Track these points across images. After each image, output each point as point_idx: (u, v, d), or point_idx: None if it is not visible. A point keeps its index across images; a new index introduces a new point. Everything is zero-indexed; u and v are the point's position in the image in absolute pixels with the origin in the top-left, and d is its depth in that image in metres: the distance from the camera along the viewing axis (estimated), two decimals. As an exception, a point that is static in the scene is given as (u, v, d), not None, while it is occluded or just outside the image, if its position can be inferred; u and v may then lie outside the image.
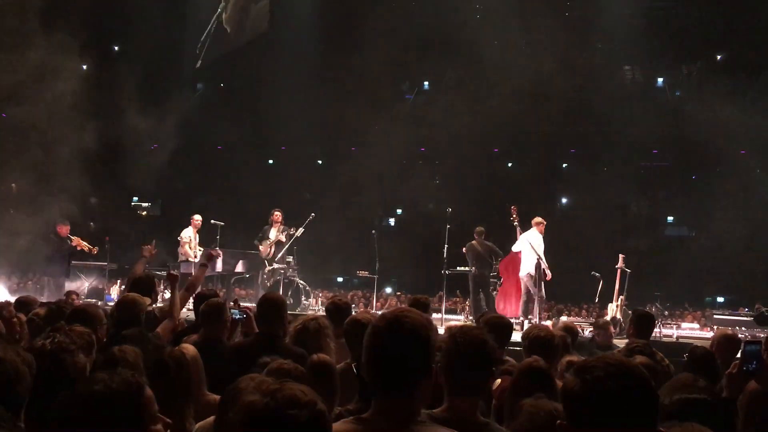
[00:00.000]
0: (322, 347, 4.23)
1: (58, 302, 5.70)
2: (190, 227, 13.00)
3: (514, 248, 11.87)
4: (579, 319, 15.07)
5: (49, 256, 12.06)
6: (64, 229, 12.26)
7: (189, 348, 3.73)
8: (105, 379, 1.86)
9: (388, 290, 20.72)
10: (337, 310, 5.29)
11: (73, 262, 12.70)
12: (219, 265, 12.84)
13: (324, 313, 5.58)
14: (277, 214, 13.21)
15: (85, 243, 12.33)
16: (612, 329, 8.03)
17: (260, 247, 13.06)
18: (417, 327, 2.07)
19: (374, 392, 2.10)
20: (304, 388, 1.74)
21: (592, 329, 8.37)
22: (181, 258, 12.84)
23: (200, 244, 13.08)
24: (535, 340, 4.33)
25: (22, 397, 2.24)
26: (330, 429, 1.76)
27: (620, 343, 7.54)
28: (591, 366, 1.79)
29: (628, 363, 1.82)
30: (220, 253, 12.20)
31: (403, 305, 2.38)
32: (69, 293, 8.52)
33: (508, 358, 4.56)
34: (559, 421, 1.82)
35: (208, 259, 6.88)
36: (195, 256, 12.70)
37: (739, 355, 3.34)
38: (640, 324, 5.82)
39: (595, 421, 1.73)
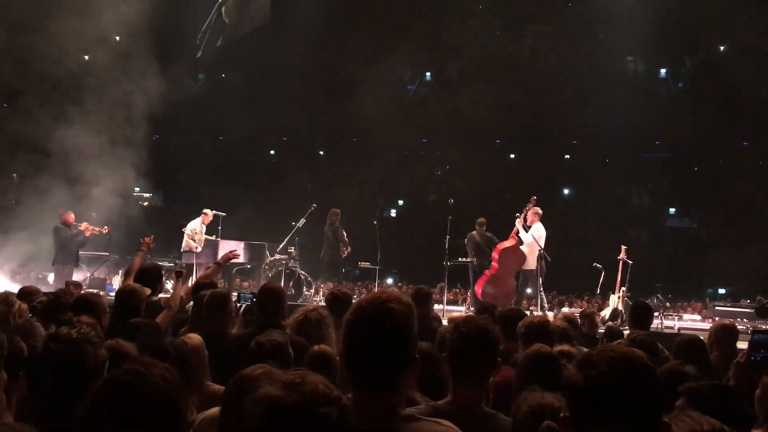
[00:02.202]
0: (323, 337, 4.23)
1: (56, 292, 5.69)
2: (198, 219, 12.99)
3: (527, 239, 11.56)
4: (580, 310, 15.06)
5: (59, 244, 12.12)
6: (69, 218, 12.33)
7: (194, 337, 3.72)
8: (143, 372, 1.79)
9: (390, 281, 20.74)
10: (336, 301, 5.21)
11: (80, 252, 12.78)
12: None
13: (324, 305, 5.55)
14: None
15: (94, 227, 12.43)
16: (598, 319, 8.06)
17: (347, 250, 13.12)
18: (399, 318, 1.91)
19: (354, 386, 1.93)
20: (324, 379, 1.63)
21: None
22: (184, 248, 12.81)
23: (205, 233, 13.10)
24: (530, 326, 4.37)
25: None
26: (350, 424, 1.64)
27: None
28: (595, 360, 1.74)
29: (631, 355, 1.78)
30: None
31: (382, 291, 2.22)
32: (68, 283, 8.52)
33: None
34: (562, 414, 1.79)
35: (226, 260, 6.79)
36: (197, 248, 12.68)
37: (746, 345, 3.33)
38: (637, 315, 5.90)
39: (599, 415, 1.70)
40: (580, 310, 14.79)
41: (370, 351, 1.90)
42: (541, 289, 11.36)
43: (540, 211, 11.69)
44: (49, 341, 2.45)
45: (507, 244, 11.84)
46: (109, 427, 1.72)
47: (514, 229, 11.75)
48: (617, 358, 1.74)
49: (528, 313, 10.77)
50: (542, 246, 11.33)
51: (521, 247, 11.61)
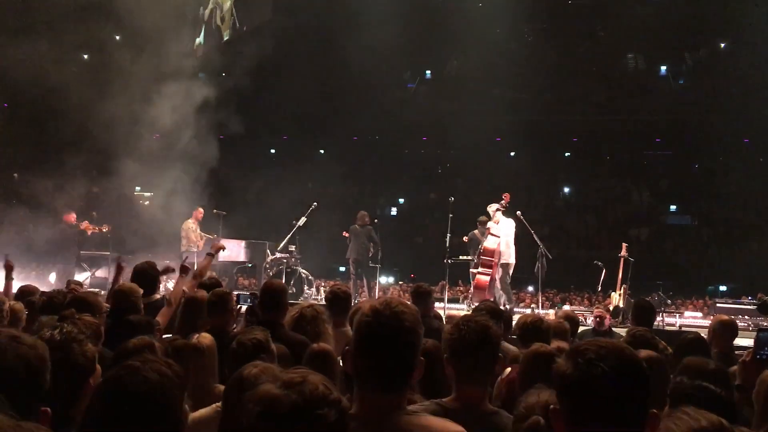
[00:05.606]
0: (320, 333, 4.25)
1: (50, 293, 5.70)
2: (190, 219, 13.00)
3: (504, 235, 11.49)
4: (581, 308, 15.08)
5: (60, 244, 12.17)
6: (70, 217, 12.38)
7: (206, 337, 3.72)
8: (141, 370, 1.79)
9: (390, 279, 20.74)
10: (336, 300, 5.26)
11: (81, 252, 12.81)
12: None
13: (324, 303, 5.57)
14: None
15: (94, 226, 12.48)
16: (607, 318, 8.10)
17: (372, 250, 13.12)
18: (412, 324, 2.01)
19: (362, 387, 1.99)
20: (324, 379, 1.60)
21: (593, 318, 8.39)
22: (183, 248, 12.79)
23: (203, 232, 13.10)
24: (523, 326, 4.39)
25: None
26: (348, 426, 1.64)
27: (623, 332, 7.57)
28: (583, 349, 1.78)
29: (618, 345, 1.82)
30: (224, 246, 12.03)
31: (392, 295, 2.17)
32: (69, 282, 8.52)
33: (509, 346, 4.56)
34: (552, 406, 1.80)
35: (216, 250, 6.87)
36: (199, 247, 12.67)
37: (748, 342, 3.34)
38: (639, 314, 5.90)
39: (589, 405, 1.72)
40: (583, 308, 14.87)
41: (387, 357, 1.98)
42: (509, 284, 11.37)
43: (497, 208, 11.51)
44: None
45: (489, 244, 11.71)
46: (109, 426, 1.72)
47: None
48: (605, 347, 1.77)
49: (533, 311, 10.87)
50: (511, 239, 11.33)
51: (498, 241, 11.55)
